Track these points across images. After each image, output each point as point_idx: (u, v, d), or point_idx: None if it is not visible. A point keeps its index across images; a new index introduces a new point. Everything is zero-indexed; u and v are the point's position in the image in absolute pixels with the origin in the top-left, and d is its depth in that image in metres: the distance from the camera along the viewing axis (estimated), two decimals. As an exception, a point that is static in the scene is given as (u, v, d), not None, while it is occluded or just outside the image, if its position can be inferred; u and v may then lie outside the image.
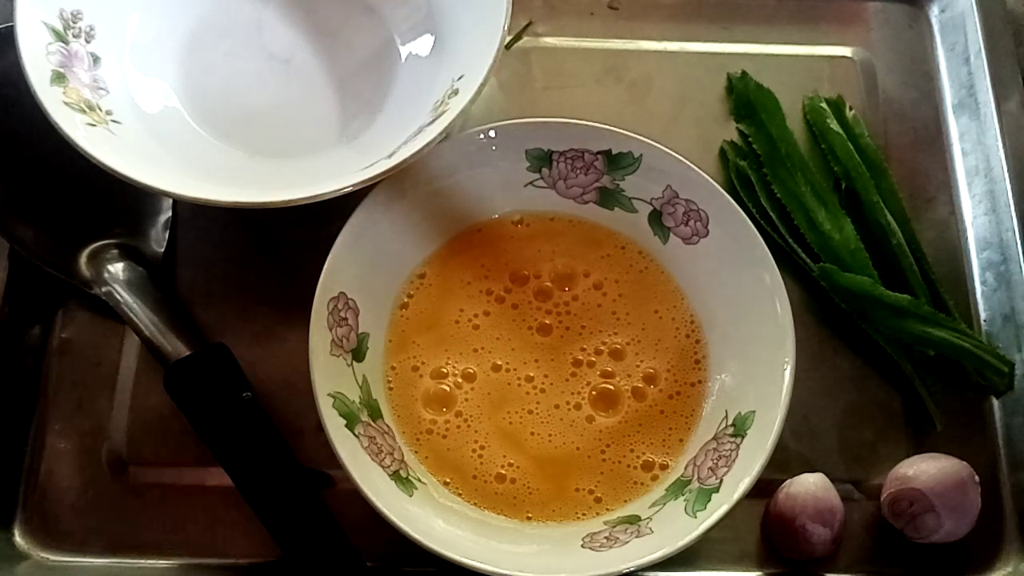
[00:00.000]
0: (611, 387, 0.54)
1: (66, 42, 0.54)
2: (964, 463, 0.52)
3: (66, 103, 0.52)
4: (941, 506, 0.51)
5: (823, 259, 0.58)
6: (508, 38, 0.58)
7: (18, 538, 0.53)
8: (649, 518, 0.50)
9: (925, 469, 0.52)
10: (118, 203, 0.57)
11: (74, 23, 0.55)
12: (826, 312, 0.58)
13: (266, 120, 0.59)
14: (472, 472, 0.52)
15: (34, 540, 0.53)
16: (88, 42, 0.55)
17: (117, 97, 0.55)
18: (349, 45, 0.60)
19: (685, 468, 0.52)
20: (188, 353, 0.53)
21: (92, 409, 0.55)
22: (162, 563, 0.53)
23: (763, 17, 0.67)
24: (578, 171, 0.56)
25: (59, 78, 0.53)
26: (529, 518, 0.51)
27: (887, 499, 0.53)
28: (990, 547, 0.54)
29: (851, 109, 0.63)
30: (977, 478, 0.52)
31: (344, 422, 0.50)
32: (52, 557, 0.53)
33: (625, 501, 0.52)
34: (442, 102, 0.54)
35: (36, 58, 0.52)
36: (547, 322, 0.55)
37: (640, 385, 0.54)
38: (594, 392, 0.54)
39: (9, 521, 0.53)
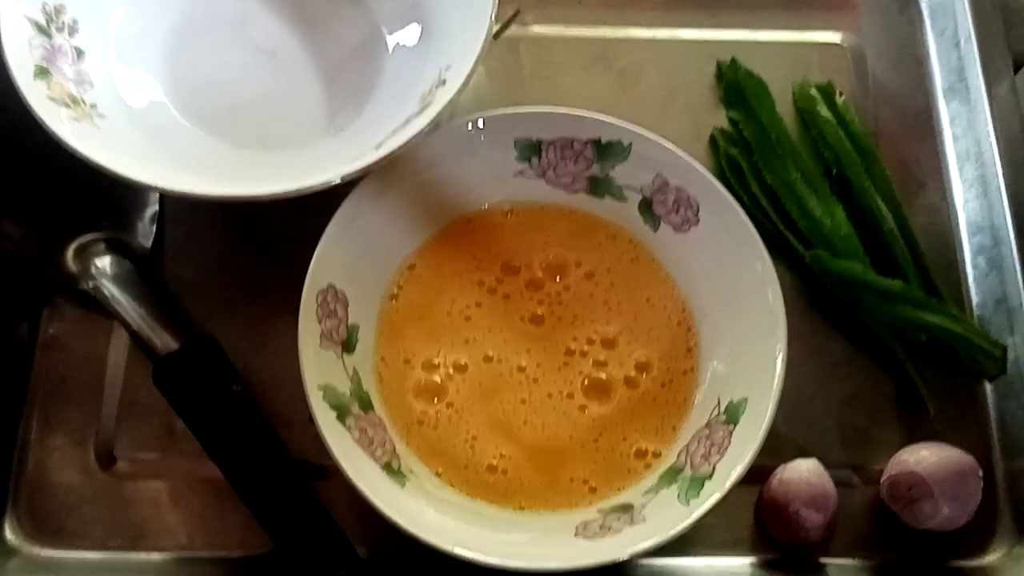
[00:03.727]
0: (603, 376, 0.54)
1: (49, 36, 0.54)
2: (969, 456, 0.52)
3: (50, 98, 0.51)
4: (940, 493, 0.51)
5: (814, 245, 0.58)
6: (495, 27, 0.58)
7: (8, 533, 0.53)
8: (642, 506, 0.50)
9: (928, 456, 0.52)
10: (104, 197, 0.56)
11: (57, 17, 0.54)
12: (818, 298, 0.58)
13: (253, 113, 0.58)
14: (464, 463, 0.52)
15: (25, 535, 0.53)
16: (72, 36, 0.55)
17: (102, 91, 0.55)
18: (335, 36, 0.60)
19: (678, 456, 0.52)
20: (177, 347, 0.53)
21: (81, 404, 0.55)
22: (154, 556, 0.52)
23: (752, 3, 0.66)
24: (568, 160, 0.56)
25: (42, 72, 0.52)
26: (522, 507, 0.51)
27: (886, 481, 0.53)
28: (983, 531, 0.54)
29: (841, 95, 0.63)
30: (980, 472, 0.52)
31: (335, 414, 0.49)
32: (43, 552, 0.52)
33: (618, 489, 0.52)
34: (430, 92, 0.54)
35: (19, 52, 0.52)
36: (539, 312, 0.55)
37: (632, 373, 0.54)
38: (586, 381, 0.54)
39: (-1, 517, 0.53)
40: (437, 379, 0.53)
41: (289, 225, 0.56)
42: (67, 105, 0.52)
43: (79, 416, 0.55)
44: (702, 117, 0.63)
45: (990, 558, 0.53)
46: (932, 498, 0.51)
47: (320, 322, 0.51)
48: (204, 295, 0.57)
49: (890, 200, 0.59)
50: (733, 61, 0.63)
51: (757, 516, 0.54)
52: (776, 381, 0.50)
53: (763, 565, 0.53)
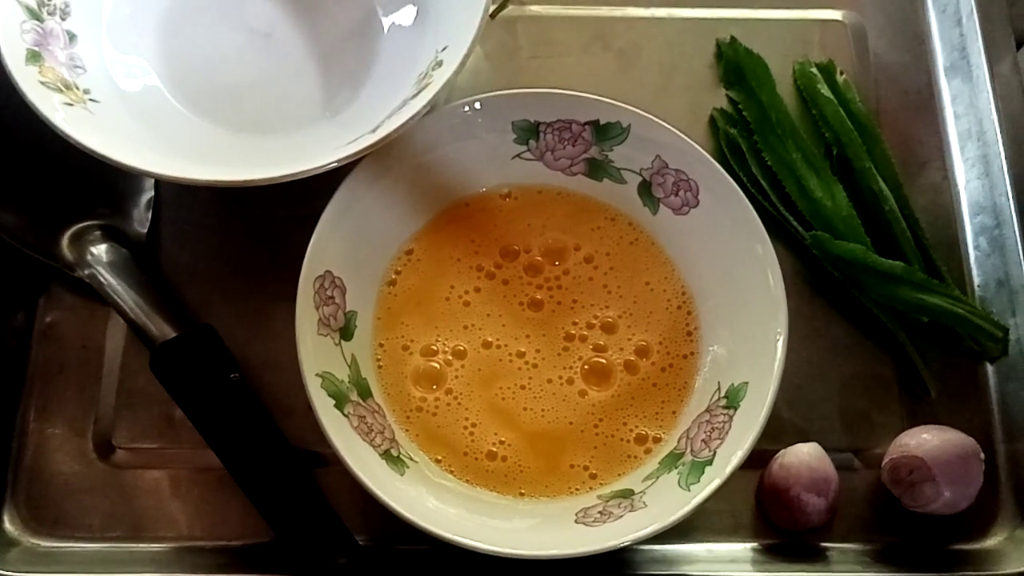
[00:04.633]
0: (603, 361, 0.54)
1: (41, 20, 0.53)
2: (971, 439, 0.52)
3: (42, 82, 0.51)
4: (941, 476, 0.51)
5: (815, 227, 0.57)
6: (493, 7, 0.57)
7: (7, 525, 0.53)
8: (643, 492, 0.50)
9: (929, 439, 0.52)
10: (99, 184, 0.56)
11: (48, 0, 0.53)
12: (818, 280, 0.58)
13: (248, 96, 0.58)
14: (463, 449, 0.52)
15: (24, 526, 0.53)
16: (63, 19, 0.54)
17: (95, 75, 0.54)
18: (331, 17, 0.59)
19: (678, 441, 0.52)
20: (174, 335, 0.52)
21: (79, 393, 0.55)
22: (154, 547, 0.52)
23: (751, -19, 0.66)
24: (566, 142, 0.56)
25: (34, 57, 0.52)
26: (522, 494, 0.51)
27: (887, 465, 0.53)
28: (984, 514, 0.54)
29: (842, 74, 0.62)
30: (982, 455, 0.52)
31: (333, 402, 0.49)
32: (43, 543, 0.52)
33: (619, 475, 0.52)
34: (426, 74, 0.53)
35: (10, 37, 0.51)
36: (538, 297, 0.55)
37: (632, 358, 0.54)
38: (586, 366, 0.54)
39: (-3, 508, 0.53)
40: (436, 365, 0.53)
41: (285, 210, 0.56)
42: (60, 90, 0.52)
43: (77, 405, 0.54)
44: (701, 97, 0.62)
45: (991, 541, 0.53)
46: (933, 481, 0.51)
47: (317, 309, 0.51)
48: (201, 282, 0.57)
49: (891, 180, 0.59)
50: (732, 39, 0.63)
51: (758, 501, 0.54)
52: (777, 365, 0.50)
53: (764, 550, 0.53)
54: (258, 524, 0.51)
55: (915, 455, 0.51)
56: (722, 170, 0.53)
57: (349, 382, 0.51)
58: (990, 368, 0.57)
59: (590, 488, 0.51)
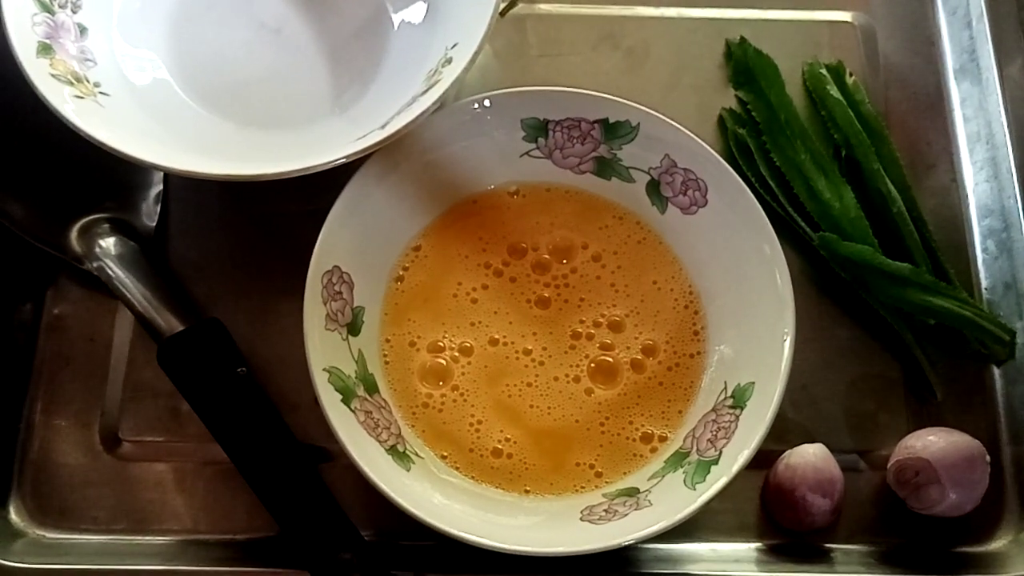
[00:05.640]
0: (610, 359, 0.54)
1: (52, 12, 0.53)
2: (977, 441, 0.52)
3: (53, 75, 0.51)
4: (947, 479, 0.51)
5: (823, 228, 0.57)
6: (502, 5, 0.57)
7: (13, 516, 0.53)
8: (648, 490, 0.50)
9: (935, 441, 0.52)
10: (108, 177, 0.56)
11: (60, -7, 0.54)
12: (826, 281, 0.58)
13: (257, 91, 0.58)
14: (469, 446, 0.52)
15: (30, 518, 0.53)
16: (74, 12, 0.54)
17: (105, 69, 0.54)
18: (341, 13, 0.59)
19: (684, 440, 0.52)
20: (182, 328, 0.52)
21: (86, 385, 0.55)
22: (159, 539, 0.52)
23: (761, -19, 0.66)
24: (575, 140, 0.56)
25: (45, 49, 0.52)
26: (527, 491, 0.51)
27: (893, 467, 0.53)
28: (989, 517, 0.54)
29: (851, 75, 0.62)
30: (988, 458, 0.52)
31: (340, 397, 0.49)
32: (48, 534, 0.52)
33: (624, 473, 0.52)
34: (436, 71, 0.53)
35: (21, 29, 0.51)
36: (545, 295, 0.55)
37: (639, 357, 0.54)
38: (593, 364, 0.54)
39: (4, 499, 0.53)
40: (443, 362, 0.53)
41: (294, 206, 0.56)
42: (70, 83, 0.52)
43: (84, 398, 0.54)
44: (710, 97, 0.62)
45: (996, 544, 0.53)
46: (939, 483, 0.51)
47: (325, 304, 0.51)
48: (208, 276, 0.57)
49: (899, 182, 0.59)
50: (742, 40, 0.63)
51: (763, 501, 0.54)
52: (784, 365, 0.50)
53: (769, 550, 0.53)
54: (263, 518, 0.51)
55: (921, 457, 0.51)
56: (731, 170, 0.53)
57: (356, 377, 0.51)
58: (996, 371, 0.57)
59: (595, 486, 0.51)
